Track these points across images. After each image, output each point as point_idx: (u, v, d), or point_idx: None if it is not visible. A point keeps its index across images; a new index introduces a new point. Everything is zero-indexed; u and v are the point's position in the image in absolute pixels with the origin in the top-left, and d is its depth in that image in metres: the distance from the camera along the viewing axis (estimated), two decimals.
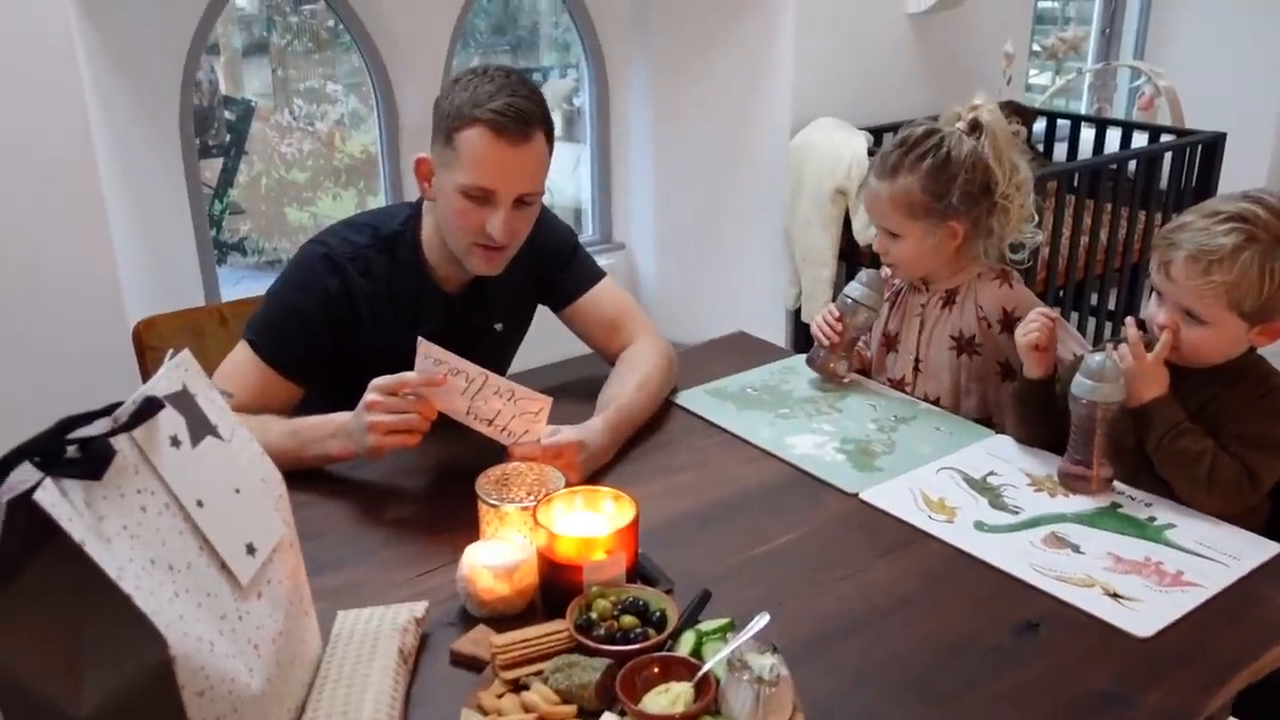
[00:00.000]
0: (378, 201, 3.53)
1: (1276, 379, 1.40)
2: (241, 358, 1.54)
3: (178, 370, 0.96)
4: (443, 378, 1.35)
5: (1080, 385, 1.37)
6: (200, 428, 0.95)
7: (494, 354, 1.70)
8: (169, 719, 0.81)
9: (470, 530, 1.27)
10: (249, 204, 3.84)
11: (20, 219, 2.21)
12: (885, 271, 1.79)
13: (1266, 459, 1.36)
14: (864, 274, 1.76)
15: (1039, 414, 1.52)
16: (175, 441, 0.91)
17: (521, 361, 1.84)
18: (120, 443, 0.84)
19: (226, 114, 3.79)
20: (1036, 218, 1.77)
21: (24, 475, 0.78)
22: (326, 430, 1.44)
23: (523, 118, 1.46)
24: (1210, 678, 1.08)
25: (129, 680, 0.79)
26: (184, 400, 0.94)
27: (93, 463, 0.80)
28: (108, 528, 0.80)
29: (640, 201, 3.85)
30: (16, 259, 2.22)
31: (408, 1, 3.12)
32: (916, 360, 1.79)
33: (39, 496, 0.75)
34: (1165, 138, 3.67)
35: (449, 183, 1.49)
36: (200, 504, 0.90)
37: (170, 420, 0.91)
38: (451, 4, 3.24)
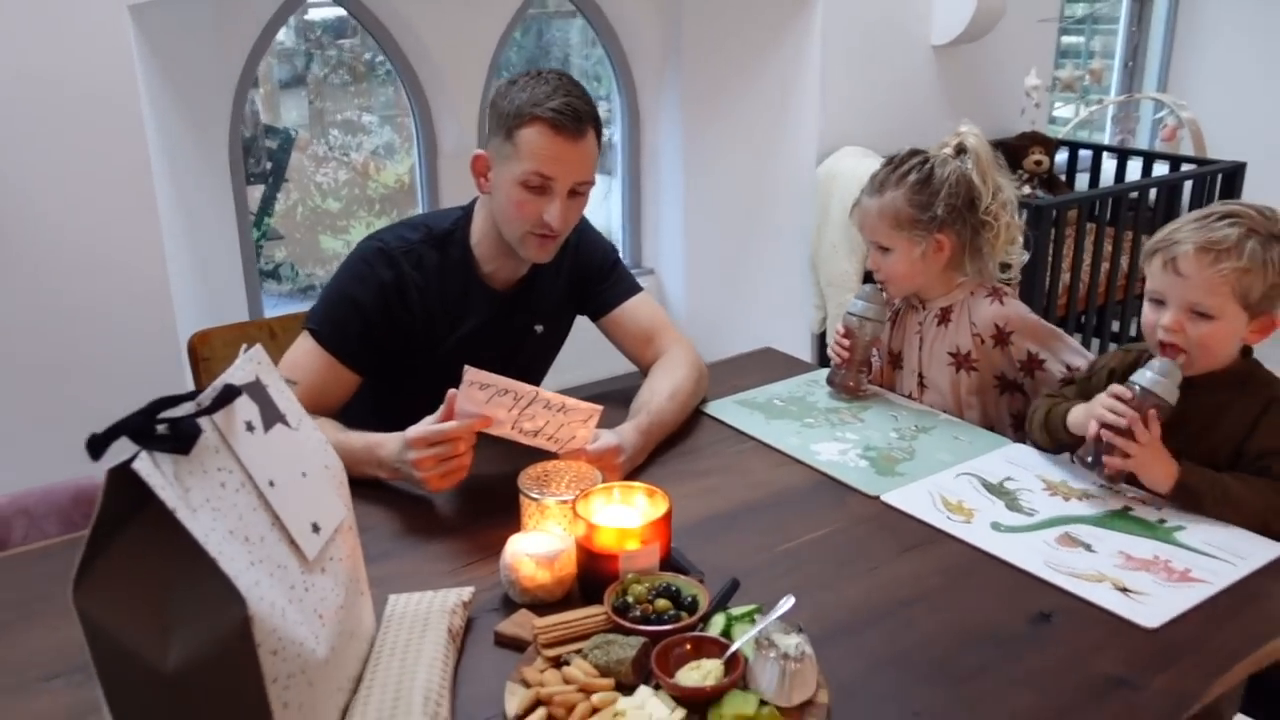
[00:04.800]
0: None
1: (1275, 385, 1.46)
2: (304, 347, 1.64)
3: (251, 363, 1.04)
4: (485, 420, 1.42)
5: (1143, 377, 1.42)
6: (271, 415, 1.03)
7: (535, 356, 1.79)
8: (246, 674, 0.88)
9: (509, 527, 1.34)
10: (285, 232, 3.95)
11: (84, 237, 2.32)
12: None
13: None
14: (862, 289, 1.85)
15: (1060, 433, 1.58)
16: (250, 426, 0.99)
17: (562, 380, 1.92)
18: (203, 424, 0.92)
19: (267, 143, 3.93)
20: (1022, 239, 1.84)
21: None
22: (371, 459, 1.51)
23: (578, 115, 1.57)
24: (1214, 665, 1.14)
25: (212, 637, 0.87)
26: (257, 390, 1.03)
27: (182, 439, 0.88)
28: (193, 499, 0.88)
29: (670, 228, 3.94)
30: (77, 275, 2.34)
31: (449, 35, 3.24)
32: (920, 376, 1.86)
33: (137, 465, 0.84)
34: (1186, 167, 3.73)
35: (508, 175, 1.60)
36: (272, 484, 0.98)
37: (245, 407, 0.99)
38: (489, 37, 3.37)
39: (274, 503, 0.98)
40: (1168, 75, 5.24)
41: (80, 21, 2.20)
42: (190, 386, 2.49)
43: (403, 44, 3.22)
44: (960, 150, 1.81)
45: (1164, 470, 1.41)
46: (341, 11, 3.25)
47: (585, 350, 2.01)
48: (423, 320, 1.71)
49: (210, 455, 0.93)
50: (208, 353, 2.03)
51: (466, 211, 1.77)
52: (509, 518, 1.36)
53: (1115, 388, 1.45)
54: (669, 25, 3.72)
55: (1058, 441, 1.59)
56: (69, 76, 2.21)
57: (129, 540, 0.87)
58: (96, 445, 0.85)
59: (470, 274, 1.74)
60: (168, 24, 2.56)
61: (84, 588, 0.86)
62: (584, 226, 1.85)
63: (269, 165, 3.96)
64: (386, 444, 1.48)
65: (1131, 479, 1.47)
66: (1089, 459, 1.46)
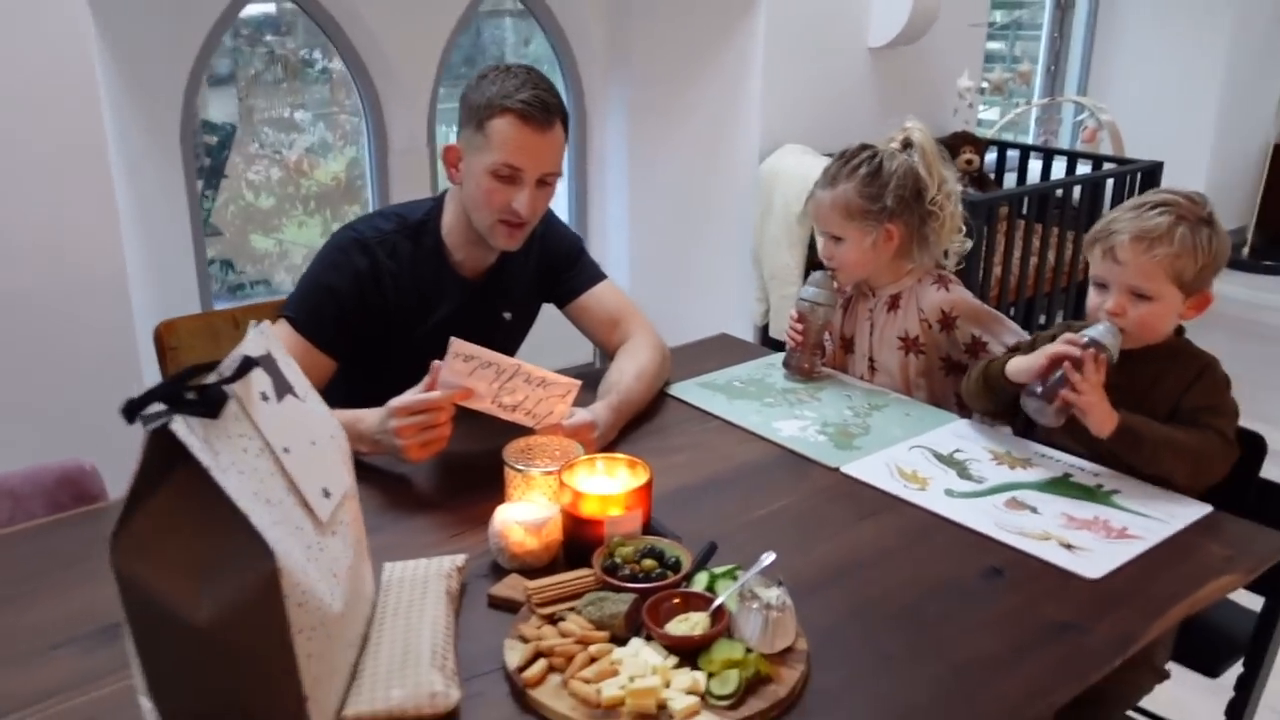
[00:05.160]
0: None
1: (1205, 356, 1.58)
2: (281, 334, 1.68)
3: (262, 337, 1.09)
4: (467, 392, 1.49)
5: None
6: (283, 386, 1.09)
7: (503, 343, 1.86)
8: (274, 624, 0.94)
9: (491, 500, 1.39)
10: (218, 229, 3.92)
11: (41, 229, 2.32)
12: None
13: (1227, 421, 1.53)
14: (812, 276, 1.95)
15: (1000, 391, 1.67)
16: (265, 396, 1.04)
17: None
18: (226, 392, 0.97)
19: (206, 138, 3.91)
20: (965, 228, 1.96)
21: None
22: (353, 432, 1.54)
23: (546, 107, 1.64)
24: (1151, 609, 1.25)
25: (242, 590, 0.92)
26: (269, 362, 1.08)
27: (210, 404, 0.94)
28: (222, 461, 0.94)
29: (616, 225, 4.02)
30: (33, 266, 2.33)
31: (400, 31, 3.29)
32: (871, 359, 1.96)
33: (174, 427, 0.89)
34: (1107, 166, 3.92)
35: (479, 165, 1.67)
36: (286, 450, 1.04)
37: (260, 378, 1.04)
38: (440, 34, 3.41)
39: (289, 468, 1.03)
40: (1088, 79, 5.48)
41: (40, 12, 2.20)
42: (147, 376, 2.50)
43: (354, 40, 3.25)
44: (907, 144, 1.92)
45: (1108, 413, 1.50)
46: (272, 8, 3.26)
47: (545, 340, 2.08)
48: (396, 307, 1.76)
49: (233, 422, 0.98)
50: (175, 342, 2.06)
51: (437, 202, 1.82)
52: (490, 492, 1.43)
53: (1067, 335, 1.56)
54: (616, 26, 3.80)
55: (994, 392, 1.67)
56: (28, 67, 2.21)
57: (163, 500, 0.92)
58: (133, 409, 0.90)
59: (442, 263, 1.80)
60: (123, 17, 2.57)
61: (120, 546, 0.91)
62: (550, 217, 1.92)
63: (208, 161, 3.94)
64: (367, 417, 1.53)
65: (1074, 427, 1.55)
66: (1037, 389, 1.54)
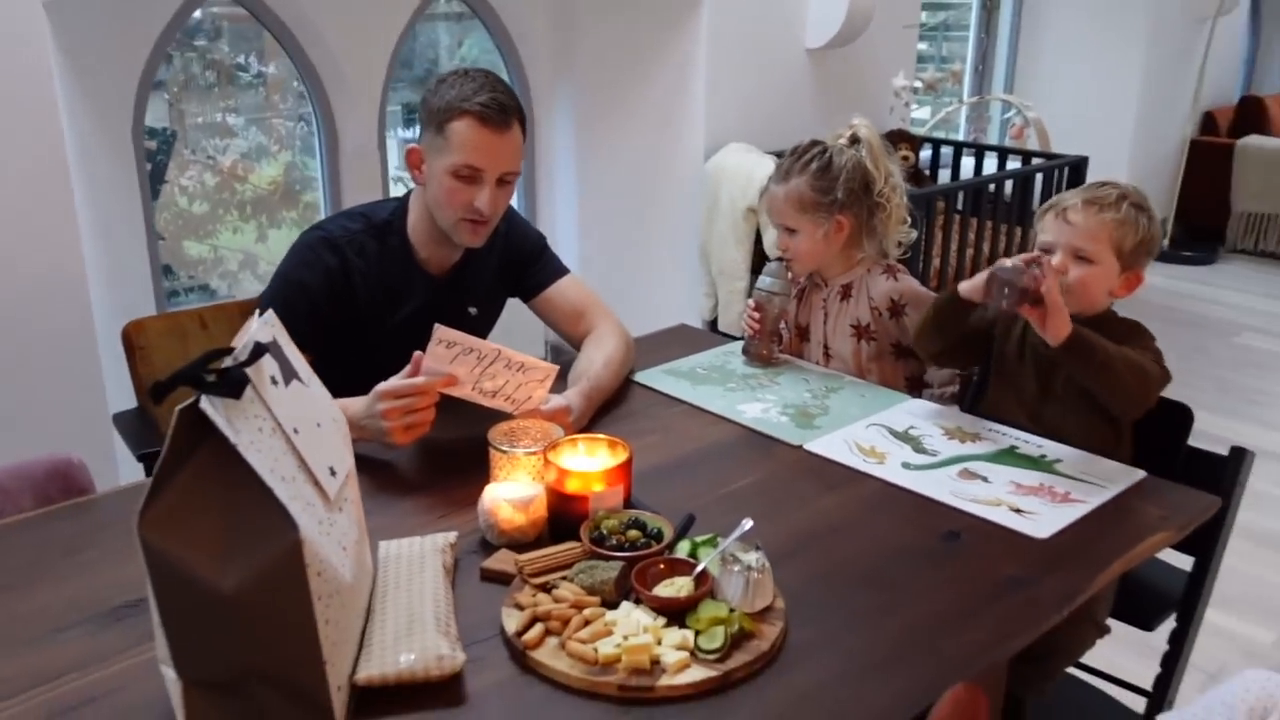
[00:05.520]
0: (280, 234, 3.68)
1: (1131, 320, 1.71)
2: None
3: (268, 326, 1.15)
4: (450, 379, 1.55)
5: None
6: (289, 372, 1.14)
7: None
8: (296, 592, 1.00)
9: (475, 482, 1.46)
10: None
11: (1, 235, 2.33)
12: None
13: (1157, 356, 1.65)
14: (768, 266, 2.04)
15: (949, 324, 1.76)
16: (274, 380, 1.10)
17: None
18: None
19: (147, 143, 3.89)
20: (909, 218, 2.07)
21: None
22: None
23: (504, 109, 1.71)
24: (1095, 564, 1.36)
25: (267, 559, 0.98)
26: (276, 349, 1.14)
27: (232, 386, 0.99)
28: (243, 439, 0.99)
29: (564, 224, 4.09)
30: None
31: (350, 35, 3.32)
32: (825, 346, 2.06)
33: (203, 405, 0.95)
34: (1035, 161, 4.09)
35: (440, 166, 1.73)
36: (296, 431, 1.10)
37: (269, 364, 1.10)
38: (389, 37, 3.45)
39: (300, 447, 1.09)
40: (1014, 78, 5.67)
41: None
42: (107, 376, 2.52)
43: (304, 43, 3.28)
44: (854, 140, 2.02)
45: (1065, 320, 1.58)
46: (199, 13, 3.25)
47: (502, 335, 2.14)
48: (365, 304, 1.82)
49: (249, 404, 1.03)
50: (143, 341, 2.09)
51: (402, 203, 1.88)
52: (473, 475, 1.49)
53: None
54: (561, 29, 3.87)
55: (947, 315, 1.74)
56: None
57: (189, 476, 0.98)
58: (160, 391, 0.96)
59: (408, 260, 1.86)
60: (76, 22, 2.58)
61: (148, 520, 0.96)
62: (512, 215, 1.98)
63: (149, 166, 3.93)
64: (352, 404, 1.59)
65: (1036, 355, 1.65)
66: (1004, 269, 1.58)
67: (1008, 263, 1.61)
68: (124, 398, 2.25)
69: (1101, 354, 1.58)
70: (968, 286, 1.69)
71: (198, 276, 3.94)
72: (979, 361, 1.85)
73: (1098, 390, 1.63)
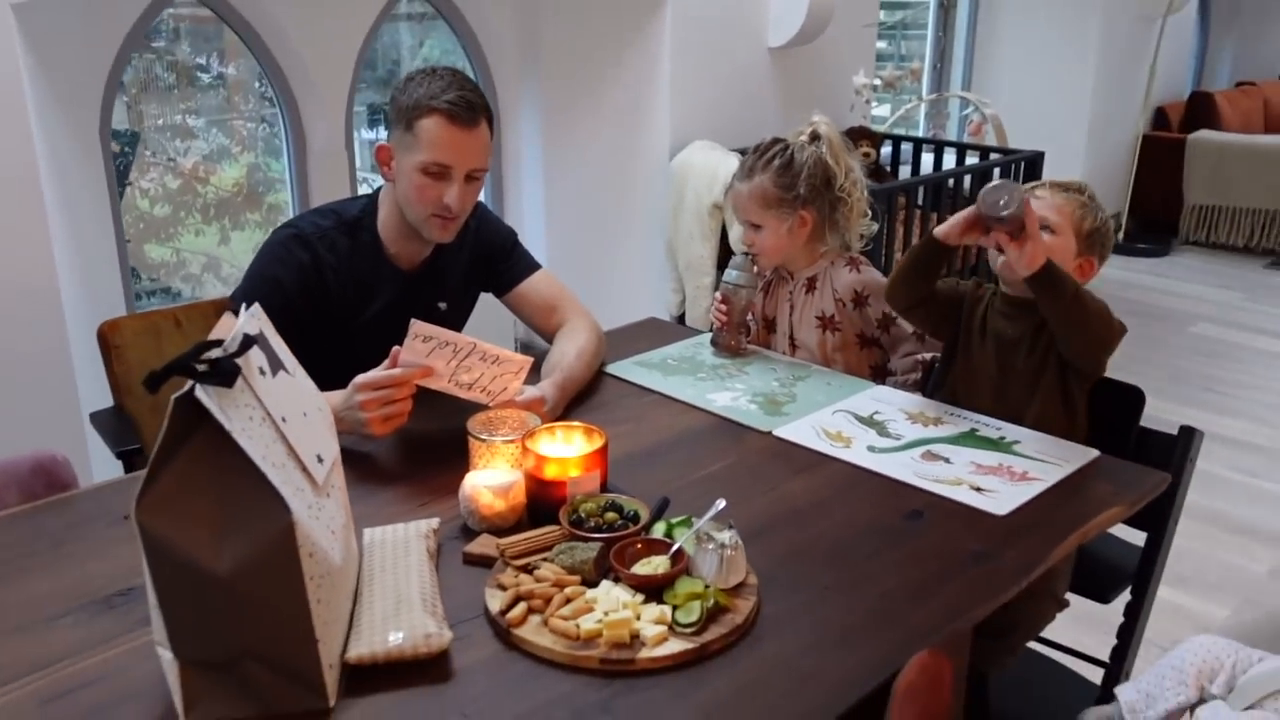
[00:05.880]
0: (243, 236, 3.70)
1: None
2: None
3: (255, 319, 1.19)
4: (427, 370, 1.59)
5: None
6: (275, 363, 1.18)
7: None
8: (289, 573, 1.03)
9: (453, 472, 1.50)
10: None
11: None
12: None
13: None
14: (734, 260, 2.10)
15: (922, 272, 1.80)
16: (262, 371, 1.14)
17: None
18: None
19: (112, 144, 3.88)
20: (870, 211, 2.13)
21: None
22: None
23: (472, 107, 1.75)
24: (1051, 537, 1.42)
25: (260, 542, 1.02)
26: (263, 341, 1.17)
27: (224, 375, 1.03)
28: (235, 427, 1.03)
29: (532, 222, 4.13)
30: None
31: (316, 36, 3.34)
32: (791, 338, 2.12)
33: (198, 394, 0.98)
34: (993, 156, 4.18)
35: (410, 163, 1.77)
36: (284, 420, 1.13)
37: (257, 355, 1.14)
38: (355, 37, 3.48)
39: (289, 435, 1.13)
40: (971, 75, 5.77)
41: None
42: (80, 375, 2.53)
43: (270, 44, 3.30)
44: (815, 137, 2.08)
45: (1042, 248, 1.62)
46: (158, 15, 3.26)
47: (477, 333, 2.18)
48: (338, 299, 1.85)
49: (240, 393, 1.07)
50: (119, 340, 2.11)
51: (372, 199, 1.92)
52: (451, 465, 1.53)
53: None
54: (526, 28, 3.91)
55: (921, 262, 1.78)
56: None
57: (184, 462, 1.01)
58: (155, 380, 0.99)
59: (379, 256, 1.89)
60: (44, 22, 2.59)
61: (145, 505, 1.00)
62: (483, 211, 2.02)
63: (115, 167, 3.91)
64: (331, 397, 1.62)
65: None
66: (994, 188, 1.63)
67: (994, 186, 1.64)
68: (97, 398, 2.27)
69: (1073, 287, 1.63)
70: (943, 230, 1.73)
71: (160, 280, 3.94)
72: (945, 331, 1.87)
73: (1066, 329, 1.66)
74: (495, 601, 1.23)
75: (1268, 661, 1.40)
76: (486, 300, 2.08)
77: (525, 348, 1.88)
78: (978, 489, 1.54)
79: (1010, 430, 1.73)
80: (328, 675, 1.08)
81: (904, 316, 1.94)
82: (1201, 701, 1.40)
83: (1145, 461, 1.67)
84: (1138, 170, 5.98)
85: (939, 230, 1.75)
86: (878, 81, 4.45)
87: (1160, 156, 6.03)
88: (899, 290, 1.85)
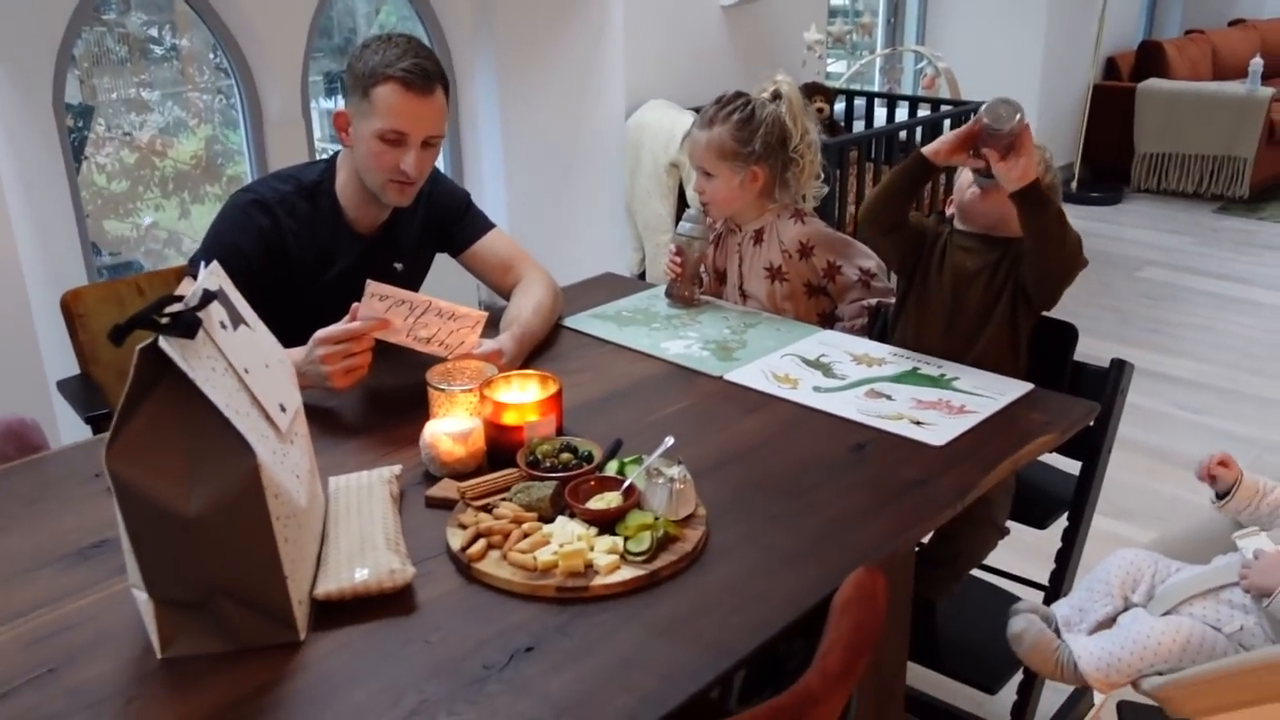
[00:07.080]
0: (203, 210, 3.70)
1: None
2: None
3: (214, 276, 1.23)
4: (385, 322, 1.64)
5: None
6: (235, 317, 1.23)
7: None
8: (256, 514, 1.09)
9: (413, 424, 1.55)
10: None
11: None
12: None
13: None
14: (687, 213, 2.16)
15: (908, 190, 1.84)
16: (223, 325, 1.19)
17: None
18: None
19: (66, 119, 3.86)
20: (822, 175, 2.18)
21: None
22: None
23: (427, 74, 1.79)
24: (985, 464, 1.50)
25: (228, 484, 1.07)
26: (223, 297, 1.22)
27: (188, 326, 1.08)
28: (199, 376, 1.08)
29: (491, 184, 4.15)
30: None
31: (268, 6, 3.33)
32: (741, 288, 2.19)
33: (162, 344, 1.03)
34: (945, 108, 4.24)
35: (366, 130, 1.80)
36: (246, 371, 1.18)
37: (217, 310, 1.19)
38: (307, 5, 3.47)
39: (251, 385, 1.18)
40: (925, 30, 5.83)
41: None
42: (44, 345, 2.55)
43: (221, 13, 3.29)
44: (776, 96, 2.12)
45: (1034, 164, 1.68)
46: None
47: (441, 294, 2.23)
48: (298, 264, 1.89)
49: (202, 345, 1.12)
50: (82, 309, 2.14)
51: (330, 164, 1.95)
52: (412, 416, 1.59)
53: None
54: None
55: (903, 181, 1.82)
56: None
57: (150, 411, 1.06)
58: (119, 333, 1.04)
59: (338, 220, 1.93)
60: None
61: (115, 452, 1.05)
62: (437, 175, 2.06)
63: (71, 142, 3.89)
64: (293, 353, 1.67)
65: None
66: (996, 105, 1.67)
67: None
68: (62, 369, 2.30)
69: (1056, 205, 1.69)
70: (932, 148, 1.76)
71: (121, 255, 3.93)
72: (908, 264, 1.91)
73: (1044, 245, 1.71)
74: (456, 539, 1.29)
75: (1184, 571, 1.49)
76: (450, 263, 2.13)
77: (488, 309, 1.92)
78: (917, 423, 1.61)
79: (950, 368, 1.81)
80: (297, 610, 1.14)
81: (879, 243, 1.95)
82: (1126, 609, 1.50)
83: (1080, 394, 1.75)
84: (1089, 120, 6.07)
85: (927, 149, 1.77)
86: (829, 35, 4.50)
87: (1111, 106, 6.12)
88: (880, 211, 1.86)
